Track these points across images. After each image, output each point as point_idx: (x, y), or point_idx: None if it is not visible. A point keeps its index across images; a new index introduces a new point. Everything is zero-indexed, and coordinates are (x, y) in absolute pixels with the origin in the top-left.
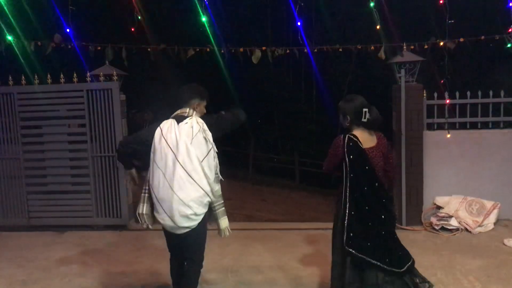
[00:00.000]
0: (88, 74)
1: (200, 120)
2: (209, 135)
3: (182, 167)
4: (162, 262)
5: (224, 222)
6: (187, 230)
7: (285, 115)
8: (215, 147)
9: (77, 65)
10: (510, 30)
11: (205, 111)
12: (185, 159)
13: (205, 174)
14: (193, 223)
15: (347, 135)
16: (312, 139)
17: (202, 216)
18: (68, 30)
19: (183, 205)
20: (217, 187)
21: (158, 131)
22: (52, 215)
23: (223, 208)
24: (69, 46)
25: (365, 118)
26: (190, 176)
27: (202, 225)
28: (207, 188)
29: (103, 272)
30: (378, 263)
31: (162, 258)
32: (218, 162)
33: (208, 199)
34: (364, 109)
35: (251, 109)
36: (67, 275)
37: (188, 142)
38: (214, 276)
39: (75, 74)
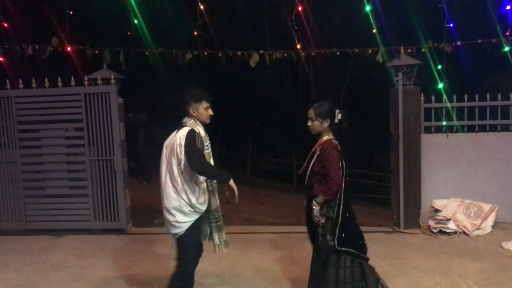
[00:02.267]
0: (86, 77)
1: (186, 133)
2: (182, 151)
3: (169, 176)
4: (160, 266)
5: (217, 237)
6: (175, 236)
7: (283, 118)
8: (187, 163)
9: (74, 69)
10: (507, 33)
11: (208, 112)
12: (170, 168)
13: (183, 185)
14: (178, 231)
15: (334, 140)
16: (310, 142)
17: (186, 224)
18: (65, 33)
19: (168, 212)
20: (201, 199)
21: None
22: (49, 219)
23: (219, 223)
24: (67, 50)
25: (337, 119)
26: (173, 185)
27: (188, 235)
28: (186, 198)
29: (101, 277)
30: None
31: (160, 262)
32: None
33: (189, 208)
34: (336, 110)
35: (249, 112)
36: (64, 279)
37: (173, 153)
38: (212, 280)
39: (72, 78)
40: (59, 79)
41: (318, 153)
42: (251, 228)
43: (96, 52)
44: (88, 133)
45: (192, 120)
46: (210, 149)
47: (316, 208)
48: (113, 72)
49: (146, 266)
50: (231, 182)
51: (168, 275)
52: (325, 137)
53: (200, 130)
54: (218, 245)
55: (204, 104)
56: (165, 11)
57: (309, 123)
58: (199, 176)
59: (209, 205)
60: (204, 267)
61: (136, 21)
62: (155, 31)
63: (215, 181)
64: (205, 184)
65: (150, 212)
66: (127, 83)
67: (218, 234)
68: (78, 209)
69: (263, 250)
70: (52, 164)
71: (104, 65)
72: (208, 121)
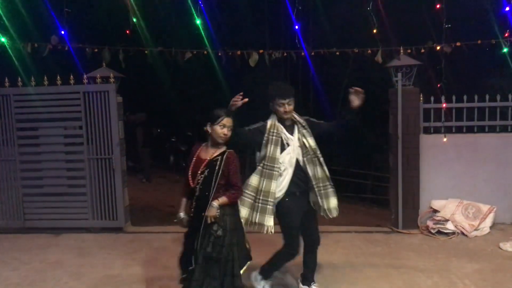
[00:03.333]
0: (85, 76)
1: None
2: None
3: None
4: (159, 265)
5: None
6: None
7: None
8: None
9: (74, 67)
10: (506, 34)
11: (283, 109)
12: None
13: None
14: None
15: None
16: None
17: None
18: (63, 32)
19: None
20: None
21: None
22: (48, 217)
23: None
24: (66, 48)
25: None
26: None
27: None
28: None
29: (99, 275)
30: None
31: (159, 261)
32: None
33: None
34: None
35: (247, 112)
36: (62, 278)
37: None
38: None
39: (71, 76)
40: (58, 77)
41: (224, 164)
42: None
43: (96, 50)
44: (87, 132)
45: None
46: (277, 136)
47: None
48: (113, 70)
49: (144, 264)
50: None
51: (167, 274)
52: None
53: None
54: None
55: (281, 100)
56: (165, 9)
57: (226, 132)
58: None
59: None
60: None
61: (135, 20)
62: (155, 29)
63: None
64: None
65: (149, 211)
66: (126, 82)
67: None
68: (77, 208)
69: (259, 250)
70: (50, 162)
71: (104, 64)
72: (284, 116)
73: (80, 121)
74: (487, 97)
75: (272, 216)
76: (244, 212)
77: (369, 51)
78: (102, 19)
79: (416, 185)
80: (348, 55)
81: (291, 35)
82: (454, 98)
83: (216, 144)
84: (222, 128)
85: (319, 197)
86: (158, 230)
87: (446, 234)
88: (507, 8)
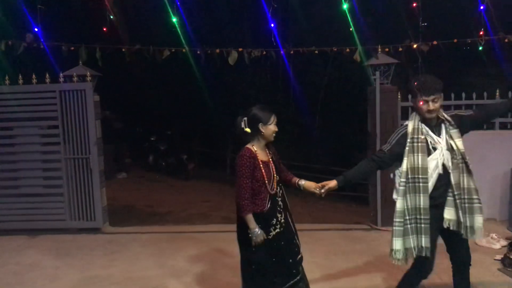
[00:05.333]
0: (61, 74)
1: None
2: None
3: None
4: (137, 265)
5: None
6: None
7: None
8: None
9: (49, 66)
10: (481, 33)
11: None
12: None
13: None
14: None
15: None
16: (290, 140)
17: None
18: (36, 29)
19: None
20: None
21: None
22: (23, 218)
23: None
24: (41, 46)
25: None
26: None
27: None
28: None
29: (77, 277)
30: None
31: (137, 262)
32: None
33: None
34: (244, 118)
35: (229, 110)
36: (38, 280)
37: None
38: (190, 279)
39: (47, 75)
40: (34, 76)
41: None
42: (230, 226)
43: (72, 48)
44: (63, 131)
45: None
46: (423, 142)
47: None
48: (89, 69)
49: (123, 265)
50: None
51: (147, 274)
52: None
53: (410, 125)
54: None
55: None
56: (143, 7)
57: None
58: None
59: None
60: (180, 267)
61: (112, 17)
62: (133, 27)
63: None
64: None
65: (128, 211)
66: (103, 81)
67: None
68: (53, 209)
69: None
70: (26, 162)
71: (80, 62)
72: (427, 116)
73: (57, 120)
74: (463, 95)
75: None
76: (399, 243)
77: (348, 50)
78: (78, 16)
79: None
80: (327, 53)
81: (271, 33)
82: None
83: (268, 143)
84: (275, 125)
85: (460, 211)
86: (137, 230)
87: None
88: (482, 7)
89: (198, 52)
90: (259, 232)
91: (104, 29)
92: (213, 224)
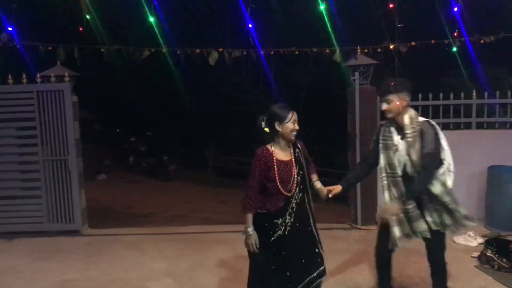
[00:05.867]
0: (38, 75)
1: None
2: None
3: None
4: (117, 267)
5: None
6: None
7: (245, 117)
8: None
9: (26, 66)
10: (455, 34)
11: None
12: None
13: None
14: None
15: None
16: (271, 140)
17: None
18: (10, 28)
19: None
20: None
21: None
22: (0, 221)
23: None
24: (17, 46)
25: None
26: None
27: None
28: None
29: (55, 280)
30: None
31: (117, 264)
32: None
33: None
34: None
35: (210, 111)
36: (15, 284)
37: None
38: (170, 280)
39: (24, 75)
40: (10, 76)
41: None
42: (211, 227)
43: (50, 48)
44: (41, 132)
45: None
46: (392, 140)
47: None
48: (68, 69)
49: (102, 268)
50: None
51: (126, 277)
52: None
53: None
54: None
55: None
56: (122, 6)
57: (296, 126)
58: None
59: None
60: (161, 268)
61: (88, 17)
62: (112, 27)
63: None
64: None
65: (107, 213)
66: (82, 81)
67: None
68: (31, 211)
69: (222, 249)
70: (3, 164)
71: (58, 62)
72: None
73: (34, 121)
74: (441, 95)
75: None
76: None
77: (328, 51)
78: (56, 16)
79: (373, 182)
80: (308, 54)
81: (251, 34)
82: (409, 96)
83: (288, 141)
84: (294, 123)
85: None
86: (117, 232)
87: None
88: (456, 9)
89: (178, 52)
90: (251, 234)
91: (80, 28)
92: (194, 225)
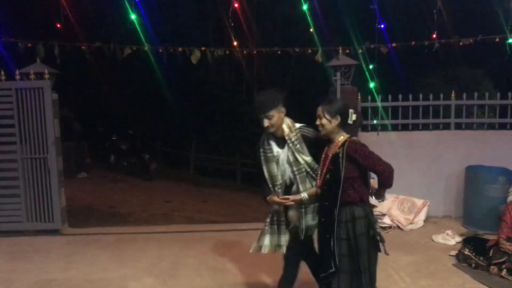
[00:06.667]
0: (17, 72)
1: None
2: None
3: None
4: (97, 267)
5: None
6: None
7: (227, 116)
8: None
9: (4, 63)
10: (434, 36)
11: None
12: None
13: None
14: None
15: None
16: (254, 140)
17: None
18: None
19: None
20: None
21: None
22: None
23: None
24: None
25: (351, 120)
26: None
27: None
28: None
29: (33, 280)
30: None
31: (97, 264)
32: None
33: None
34: (351, 110)
35: (192, 110)
36: None
37: None
38: (152, 280)
39: (2, 72)
40: None
41: (346, 156)
42: (193, 226)
43: (29, 45)
44: (20, 130)
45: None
46: (272, 152)
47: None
48: (47, 66)
49: (82, 267)
50: (269, 200)
51: (107, 276)
52: (341, 137)
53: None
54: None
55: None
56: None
57: (318, 121)
58: None
59: None
60: (143, 267)
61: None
62: (92, 24)
63: None
64: None
65: (87, 212)
66: (62, 79)
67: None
68: (9, 210)
69: (204, 248)
70: None
71: (38, 59)
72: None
73: (13, 119)
74: (420, 96)
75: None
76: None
77: (310, 51)
78: (36, 12)
79: None
80: (291, 54)
81: (235, 33)
82: (390, 97)
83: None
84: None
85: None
86: (98, 231)
87: (383, 228)
88: (434, 10)
89: (160, 50)
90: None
91: (58, 25)
92: (175, 225)
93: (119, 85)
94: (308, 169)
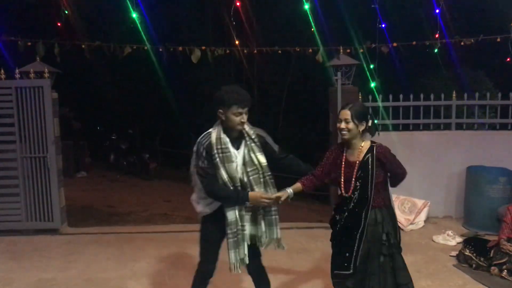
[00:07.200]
0: (17, 70)
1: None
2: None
3: None
4: (96, 267)
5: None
6: None
7: None
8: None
9: (4, 62)
10: (437, 36)
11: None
12: None
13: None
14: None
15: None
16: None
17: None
18: None
19: None
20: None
21: None
22: None
23: (237, 238)
24: None
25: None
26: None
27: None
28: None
29: (32, 279)
30: None
31: (96, 263)
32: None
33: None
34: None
35: (192, 109)
36: None
37: None
38: (151, 280)
39: (2, 71)
40: None
41: (377, 161)
42: (192, 226)
43: (29, 44)
44: (19, 129)
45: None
46: (230, 152)
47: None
48: (47, 65)
49: (81, 267)
50: (252, 201)
51: (105, 276)
52: (363, 143)
53: (213, 136)
54: (233, 264)
55: (237, 109)
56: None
57: (344, 125)
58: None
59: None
60: (139, 268)
61: (66, 12)
62: (93, 23)
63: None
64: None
65: (87, 211)
66: (62, 77)
67: (234, 251)
68: (9, 209)
69: None
70: None
71: (38, 58)
72: (238, 128)
73: (12, 118)
74: (421, 96)
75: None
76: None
77: (310, 50)
78: (36, 11)
79: None
80: (291, 54)
81: (233, 32)
82: (391, 96)
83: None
84: (340, 122)
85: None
86: (97, 231)
87: None
88: (437, 10)
89: (160, 49)
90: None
91: (59, 24)
92: (175, 224)
93: (119, 84)
94: (261, 171)
